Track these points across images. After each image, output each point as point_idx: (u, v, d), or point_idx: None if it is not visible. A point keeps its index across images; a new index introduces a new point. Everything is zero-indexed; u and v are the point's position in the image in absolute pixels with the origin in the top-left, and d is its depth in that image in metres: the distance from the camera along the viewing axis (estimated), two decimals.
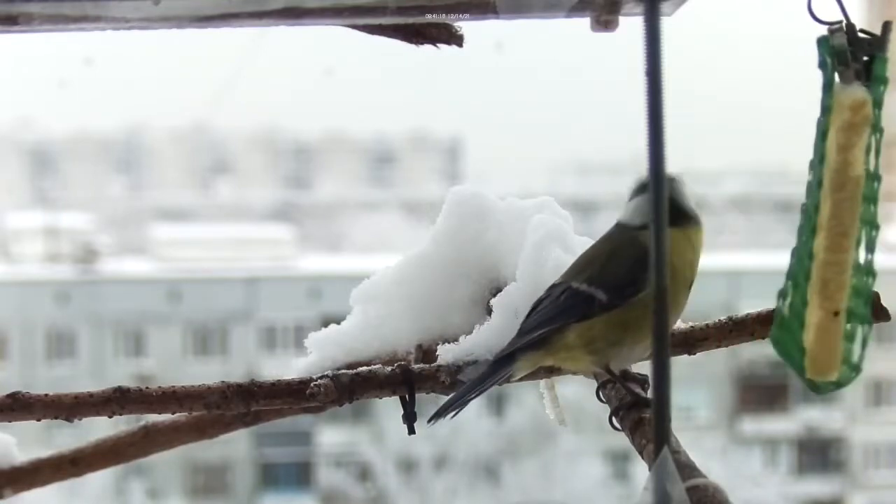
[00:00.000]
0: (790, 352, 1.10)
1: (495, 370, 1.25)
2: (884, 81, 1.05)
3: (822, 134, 1.05)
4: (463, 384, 1.30)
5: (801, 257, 1.07)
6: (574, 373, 1.32)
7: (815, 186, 1.06)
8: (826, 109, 1.04)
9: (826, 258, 1.05)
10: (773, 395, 17.08)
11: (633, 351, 1.24)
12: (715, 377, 16.76)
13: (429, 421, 1.26)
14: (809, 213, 1.06)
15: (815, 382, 1.08)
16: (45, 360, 16.56)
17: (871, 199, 1.05)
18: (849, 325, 1.07)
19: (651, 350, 0.90)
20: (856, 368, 1.08)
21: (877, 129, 1.05)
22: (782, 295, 1.08)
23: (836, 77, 1.05)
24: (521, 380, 1.34)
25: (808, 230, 1.06)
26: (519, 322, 1.27)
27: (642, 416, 1.19)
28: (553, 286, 1.27)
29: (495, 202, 1.50)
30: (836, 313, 1.05)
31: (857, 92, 1.04)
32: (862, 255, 1.06)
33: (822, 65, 1.05)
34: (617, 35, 1.16)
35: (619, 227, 1.27)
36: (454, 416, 1.23)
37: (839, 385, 1.08)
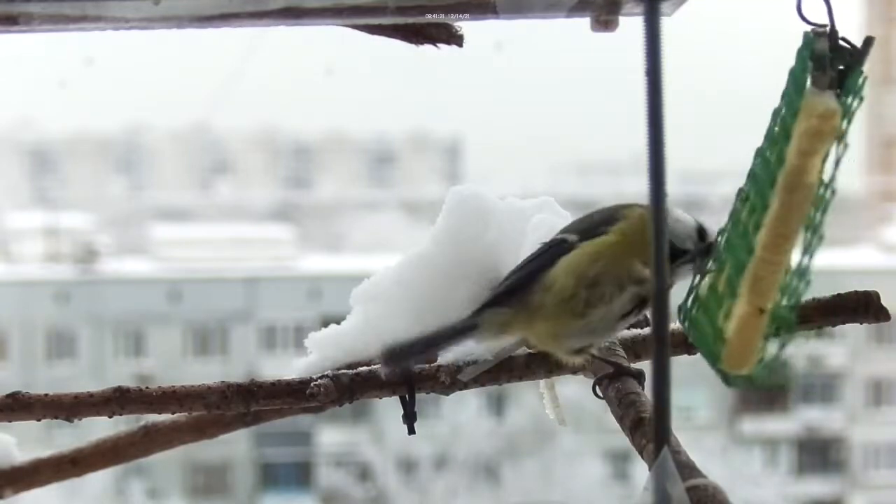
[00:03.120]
0: (705, 337, 1.10)
1: (459, 328, 1.23)
2: (857, 95, 1.04)
3: (784, 133, 1.05)
4: (463, 384, 1.30)
5: (735, 248, 1.08)
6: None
7: (760, 178, 1.06)
8: (796, 110, 1.04)
9: (763, 256, 1.05)
10: (773, 395, 17.07)
11: (612, 309, 1.22)
12: (715, 377, 16.71)
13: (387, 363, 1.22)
14: (753, 204, 1.07)
15: (726, 373, 1.09)
16: (45, 360, 16.56)
17: (821, 206, 1.04)
18: (771, 326, 1.06)
19: (651, 349, 0.90)
20: (770, 368, 1.07)
21: (842, 141, 1.04)
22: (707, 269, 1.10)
23: (809, 80, 1.05)
24: (521, 379, 1.34)
25: (751, 224, 1.06)
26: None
27: (642, 416, 1.19)
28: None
29: (495, 202, 1.50)
30: (762, 311, 1.05)
31: (830, 101, 1.03)
32: (803, 260, 1.05)
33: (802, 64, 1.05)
34: (617, 35, 1.16)
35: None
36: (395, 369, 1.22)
37: (749, 380, 1.08)
